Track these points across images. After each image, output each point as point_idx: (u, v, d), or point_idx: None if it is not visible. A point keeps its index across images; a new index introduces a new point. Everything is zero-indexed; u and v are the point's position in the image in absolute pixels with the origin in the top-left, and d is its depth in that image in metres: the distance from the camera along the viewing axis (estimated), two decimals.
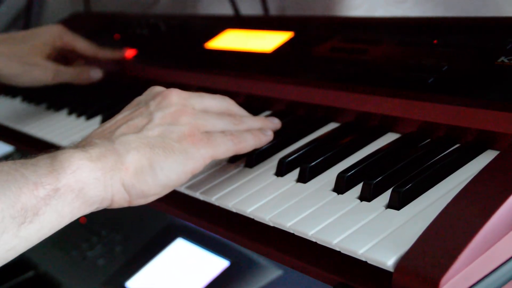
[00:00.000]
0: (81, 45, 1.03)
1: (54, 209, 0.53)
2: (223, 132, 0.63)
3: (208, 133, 0.62)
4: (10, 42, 1.01)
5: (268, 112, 0.78)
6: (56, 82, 1.00)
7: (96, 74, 1.02)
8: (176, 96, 0.63)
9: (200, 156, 0.60)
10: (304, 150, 0.64)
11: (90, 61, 1.05)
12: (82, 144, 0.58)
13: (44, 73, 0.99)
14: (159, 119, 0.61)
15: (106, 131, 0.61)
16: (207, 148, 0.60)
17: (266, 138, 0.66)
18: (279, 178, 0.62)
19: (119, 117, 0.63)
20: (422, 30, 0.75)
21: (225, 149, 0.62)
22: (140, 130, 0.60)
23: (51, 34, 1.02)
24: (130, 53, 1.06)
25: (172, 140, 0.59)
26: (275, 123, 0.70)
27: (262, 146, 0.67)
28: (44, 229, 0.53)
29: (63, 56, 1.05)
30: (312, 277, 0.53)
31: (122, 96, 0.89)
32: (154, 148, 0.58)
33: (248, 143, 0.64)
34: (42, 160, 0.54)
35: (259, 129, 0.66)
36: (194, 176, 0.67)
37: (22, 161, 0.54)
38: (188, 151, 0.59)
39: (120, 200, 0.57)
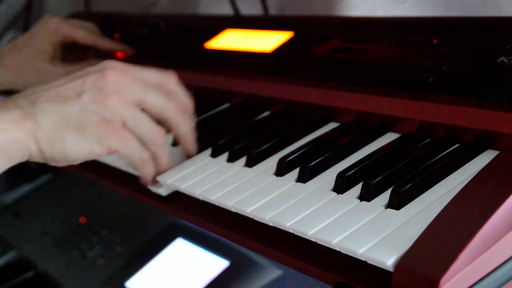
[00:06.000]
0: (80, 34, 1.04)
1: None
2: (141, 145, 0.65)
3: (127, 131, 0.64)
4: (14, 53, 1.01)
5: (268, 112, 0.78)
6: None
7: None
8: (114, 78, 0.65)
9: (108, 146, 0.63)
10: (304, 150, 0.64)
11: (99, 54, 1.06)
12: (9, 103, 0.63)
13: (54, 79, 0.99)
14: (86, 97, 0.63)
15: (35, 94, 0.64)
16: (117, 142, 0.63)
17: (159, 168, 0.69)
18: (279, 178, 0.62)
19: (56, 82, 0.66)
20: (422, 30, 0.75)
21: (131, 154, 0.65)
22: (64, 101, 0.63)
23: (48, 31, 1.02)
24: (128, 47, 1.07)
25: (89, 121, 0.62)
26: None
27: (262, 146, 0.67)
28: None
29: (70, 47, 1.05)
30: (312, 277, 0.53)
31: None
32: (69, 123, 0.62)
33: (146, 171, 0.68)
34: None
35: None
36: (193, 176, 0.67)
37: None
38: (98, 137, 0.63)
39: (36, 158, 0.63)
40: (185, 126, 0.70)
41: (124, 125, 0.64)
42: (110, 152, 0.64)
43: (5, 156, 0.61)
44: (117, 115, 0.63)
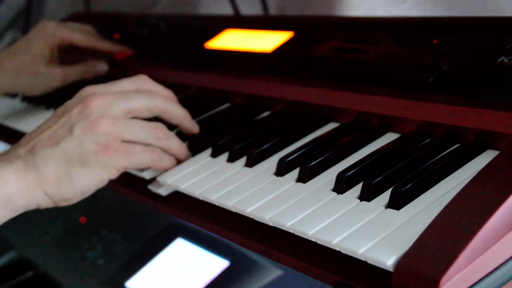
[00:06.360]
0: (77, 37, 1.04)
1: None
2: (146, 146, 0.66)
3: (127, 144, 0.65)
4: (11, 56, 1.01)
5: (268, 112, 0.78)
6: (67, 84, 1.01)
7: (102, 67, 1.04)
8: (96, 103, 0.66)
9: (114, 167, 0.65)
10: (304, 150, 0.64)
11: (98, 55, 1.06)
12: (10, 155, 0.65)
13: (52, 80, 1.00)
14: (78, 131, 0.64)
15: (31, 142, 0.66)
16: (121, 159, 0.65)
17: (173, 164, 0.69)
18: (279, 178, 0.62)
19: (45, 125, 0.68)
20: (422, 30, 0.75)
21: (141, 162, 0.66)
22: (59, 142, 0.64)
23: (45, 35, 1.02)
24: (127, 48, 1.07)
25: (88, 152, 0.64)
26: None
27: (262, 146, 0.67)
28: None
29: (68, 49, 1.05)
30: (312, 277, 0.53)
31: None
32: (71, 161, 0.63)
33: (165, 165, 0.68)
34: None
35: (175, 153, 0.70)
36: (193, 176, 0.67)
37: None
38: (103, 163, 0.64)
39: (45, 204, 0.64)
40: (178, 110, 0.72)
41: (122, 140, 0.65)
42: (120, 171, 0.65)
43: (9, 207, 0.62)
44: (111, 135, 0.65)
